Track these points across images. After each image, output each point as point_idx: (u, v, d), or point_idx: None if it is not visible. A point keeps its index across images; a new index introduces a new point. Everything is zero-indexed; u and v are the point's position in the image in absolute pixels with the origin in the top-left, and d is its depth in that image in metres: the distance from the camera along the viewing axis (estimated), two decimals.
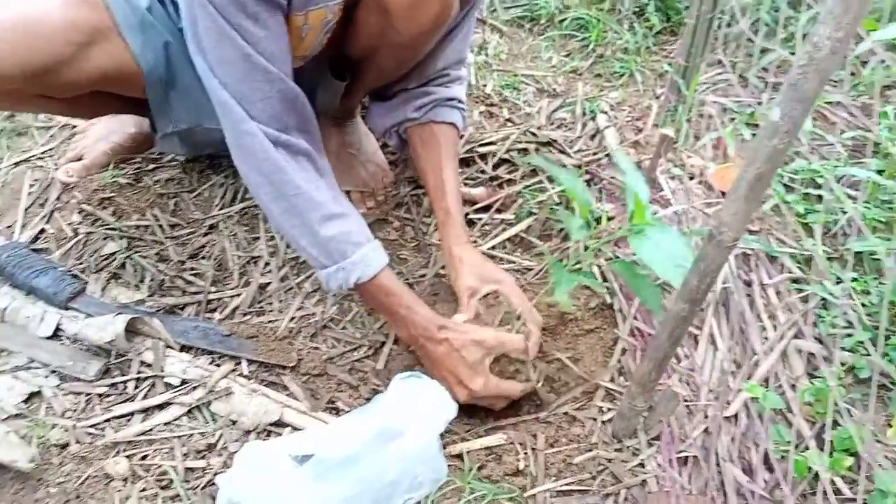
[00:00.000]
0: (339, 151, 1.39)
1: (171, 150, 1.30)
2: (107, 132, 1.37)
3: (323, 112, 1.38)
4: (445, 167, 1.22)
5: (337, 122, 1.39)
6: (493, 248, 1.34)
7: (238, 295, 1.22)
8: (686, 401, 1.14)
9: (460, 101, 1.27)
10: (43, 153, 1.42)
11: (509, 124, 1.54)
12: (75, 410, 1.08)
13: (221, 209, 1.34)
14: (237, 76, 0.96)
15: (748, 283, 1.32)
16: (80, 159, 1.35)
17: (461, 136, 1.29)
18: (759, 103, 1.66)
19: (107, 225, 1.30)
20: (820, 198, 1.44)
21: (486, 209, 1.39)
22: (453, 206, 1.19)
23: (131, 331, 1.12)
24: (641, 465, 1.07)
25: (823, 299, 1.26)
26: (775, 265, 1.34)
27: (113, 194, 1.33)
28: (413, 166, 1.37)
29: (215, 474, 1.02)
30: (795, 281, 1.32)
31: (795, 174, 1.47)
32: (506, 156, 1.46)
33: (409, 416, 0.97)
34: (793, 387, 1.18)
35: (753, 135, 1.57)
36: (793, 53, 1.79)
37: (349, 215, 1.08)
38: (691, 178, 1.47)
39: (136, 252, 1.26)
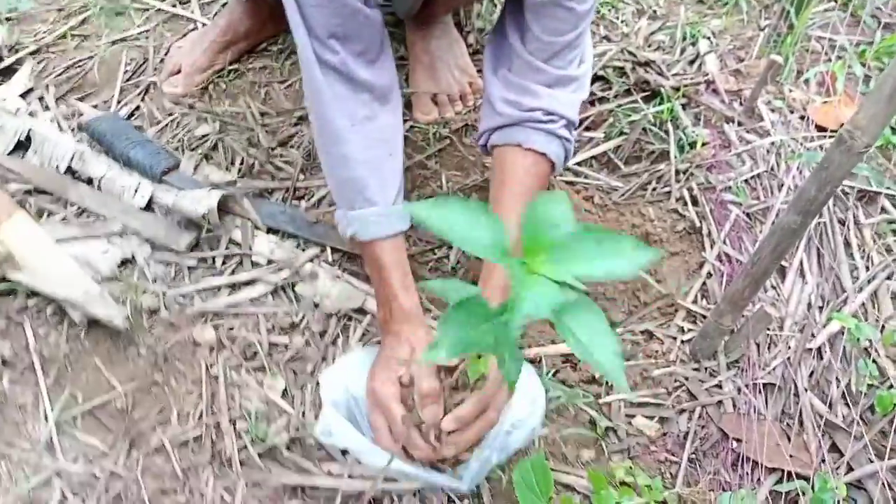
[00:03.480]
0: (422, 55, 1.36)
1: None
2: (199, 35, 1.37)
3: (404, 15, 1.35)
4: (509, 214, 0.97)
5: (421, 26, 1.36)
6: (580, 164, 1.32)
7: (325, 185, 1.23)
8: (769, 330, 1.12)
9: (558, 119, 1.00)
10: (139, 34, 1.43)
11: (606, 41, 1.49)
12: (165, 279, 1.11)
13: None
14: None
15: (842, 222, 1.27)
16: (179, 70, 1.35)
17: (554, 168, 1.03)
18: (871, 43, 1.57)
19: (200, 107, 1.31)
20: None
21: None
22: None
23: (222, 209, 1.14)
24: (719, 386, 1.06)
25: None
26: (873, 206, 1.29)
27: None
28: None
29: (297, 351, 1.05)
30: (892, 223, 1.27)
31: None
32: (601, 73, 1.42)
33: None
34: (882, 327, 1.15)
35: (866, 75, 1.49)
36: None
37: (378, 167, 0.99)
38: (792, 112, 1.41)
39: (228, 135, 1.27)
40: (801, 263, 1.20)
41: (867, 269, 1.21)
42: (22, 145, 1.22)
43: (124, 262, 1.12)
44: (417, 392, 0.86)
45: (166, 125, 1.28)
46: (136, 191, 1.17)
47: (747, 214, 1.24)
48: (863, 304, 1.17)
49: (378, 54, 1.00)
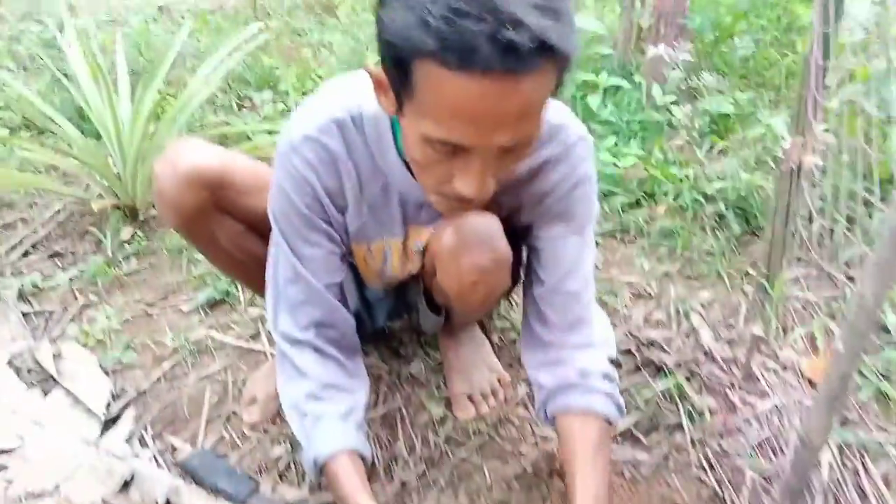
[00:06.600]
0: (454, 361, 1.60)
1: None
2: (271, 367, 1.62)
3: (430, 332, 1.61)
4: (577, 478, 1.09)
5: (450, 336, 1.62)
6: None
7: (383, 490, 1.40)
8: None
9: (592, 374, 1.17)
10: (219, 370, 1.71)
11: (611, 326, 1.73)
12: None
13: (366, 412, 1.56)
14: (286, 278, 1.18)
15: (855, 472, 1.39)
16: (255, 399, 1.59)
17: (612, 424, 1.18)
18: (843, 297, 1.79)
19: (273, 431, 1.54)
20: None
21: None
22: None
23: None
24: None
25: None
26: (882, 453, 1.41)
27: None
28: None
29: None
30: None
31: (890, 363, 1.57)
32: None
33: None
34: None
35: None
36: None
37: (342, 399, 1.18)
38: (785, 369, 1.59)
39: (298, 454, 1.48)
40: None
41: None
42: (127, 483, 1.44)
43: None
44: None
45: (247, 451, 1.50)
46: None
47: (763, 477, 1.37)
48: None
49: (351, 353, 1.26)
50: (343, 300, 1.25)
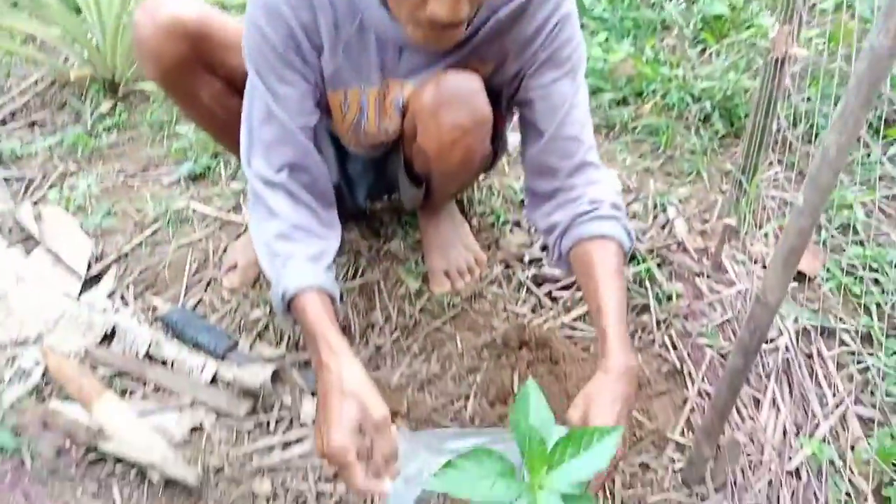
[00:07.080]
0: (433, 238, 1.63)
1: None
2: (250, 237, 1.66)
3: (411, 207, 1.63)
4: (600, 292, 1.10)
5: (430, 214, 1.64)
6: (576, 319, 1.54)
7: (358, 353, 1.45)
8: (751, 456, 1.28)
9: (605, 205, 1.17)
10: (200, 238, 1.73)
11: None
12: (228, 441, 1.31)
13: (345, 282, 1.59)
14: (260, 118, 1.16)
15: (809, 355, 1.46)
16: (235, 266, 1.61)
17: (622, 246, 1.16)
18: None
19: (253, 295, 1.57)
20: (877, 281, 1.59)
21: (568, 287, 1.60)
22: (611, 329, 1.07)
23: (274, 379, 1.37)
24: None
25: (880, 370, 1.39)
26: (835, 339, 1.48)
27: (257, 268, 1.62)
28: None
29: (340, 498, 1.23)
30: (854, 353, 1.45)
31: (853, 259, 1.62)
32: None
33: None
34: (852, 448, 1.30)
35: None
36: None
37: (313, 242, 1.15)
38: (755, 262, 1.64)
39: (277, 317, 1.52)
40: (774, 394, 1.38)
41: (834, 395, 1.38)
42: (108, 337, 1.48)
43: (194, 429, 1.33)
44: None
45: (226, 312, 1.54)
46: (202, 369, 1.40)
47: (721, 355, 1.44)
48: (832, 427, 1.33)
49: (325, 202, 1.23)
50: (317, 145, 1.24)
